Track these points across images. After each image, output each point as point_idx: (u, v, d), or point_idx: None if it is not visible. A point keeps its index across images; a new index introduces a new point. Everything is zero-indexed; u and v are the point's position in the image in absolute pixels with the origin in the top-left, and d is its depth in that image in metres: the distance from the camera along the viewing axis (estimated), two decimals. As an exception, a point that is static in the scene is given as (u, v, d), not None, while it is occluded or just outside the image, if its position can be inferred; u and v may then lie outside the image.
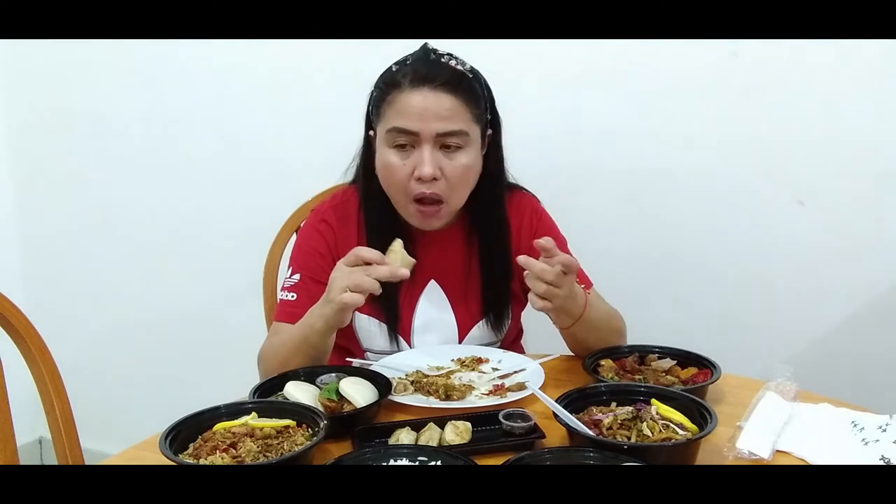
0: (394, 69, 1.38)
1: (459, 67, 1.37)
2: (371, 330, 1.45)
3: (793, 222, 1.75)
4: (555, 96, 1.88)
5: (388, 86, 1.37)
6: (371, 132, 1.43)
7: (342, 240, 1.46)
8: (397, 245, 1.27)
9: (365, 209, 1.46)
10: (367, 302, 1.40)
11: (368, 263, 1.22)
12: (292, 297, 1.42)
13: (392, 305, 1.44)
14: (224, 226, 2.33)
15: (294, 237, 1.72)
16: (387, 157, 1.37)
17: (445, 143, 1.34)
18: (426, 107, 1.32)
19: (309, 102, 2.14)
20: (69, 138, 2.48)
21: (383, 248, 1.31)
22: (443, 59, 1.37)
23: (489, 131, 1.43)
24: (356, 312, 1.43)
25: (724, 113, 1.76)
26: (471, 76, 1.38)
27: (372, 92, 1.42)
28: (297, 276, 1.44)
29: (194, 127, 2.30)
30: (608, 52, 1.80)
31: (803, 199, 1.74)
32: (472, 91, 1.37)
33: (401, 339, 1.46)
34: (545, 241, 1.22)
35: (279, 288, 1.50)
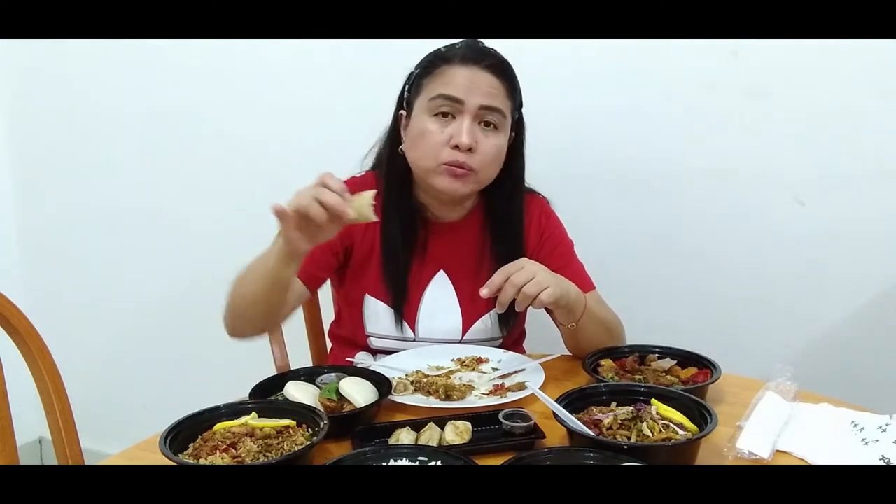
0: (443, 49, 1.43)
1: (506, 60, 1.43)
2: (378, 313, 1.47)
3: (793, 222, 1.75)
4: (553, 96, 1.88)
5: (437, 59, 1.41)
6: (402, 111, 1.45)
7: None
8: (368, 195, 1.19)
9: (386, 187, 1.46)
10: (374, 284, 1.44)
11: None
12: None
13: (399, 290, 1.45)
14: (224, 226, 2.32)
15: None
16: (425, 123, 1.39)
17: (485, 119, 1.38)
18: (474, 80, 1.38)
19: (310, 102, 2.14)
20: (69, 139, 2.48)
21: (400, 233, 1.36)
22: (491, 50, 1.43)
23: (512, 133, 1.46)
24: (364, 294, 1.45)
25: (724, 113, 1.76)
26: (512, 71, 1.43)
27: (412, 72, 1.45)
28: None
29: (194, 127, 2.30)
30: (608, 52, 1.80)
31: (803, 199, 1.74)
32: (513, 82, 1.43)
33: (406, 324, 1.46)
34: (485, 291, 1.27)
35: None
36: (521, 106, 1.47)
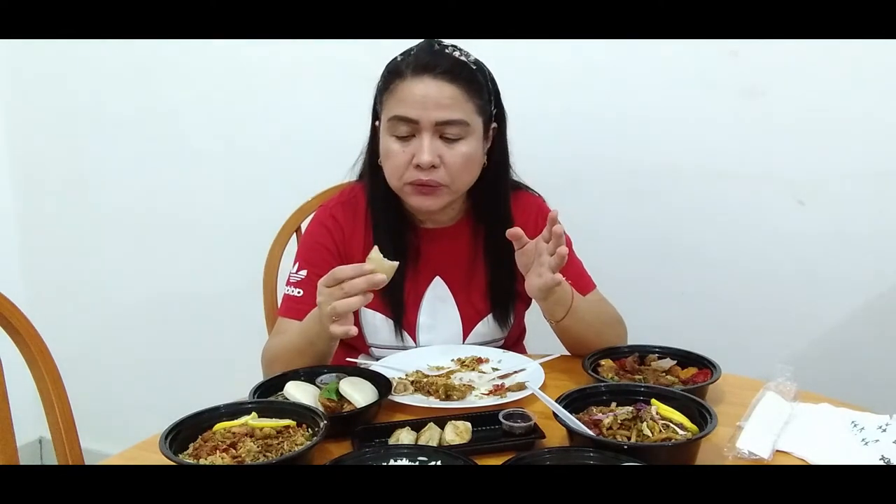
0: (398, 59, 1.39)
1: (462, 58, 1.38)
2: (376, 325, 1.46)
3: (793, 222, 1.75)
4: (555, 96, 1.88)
5: (391, 74, 1.38)
6: (377, 122, 1.44)
7: (350, 237, 1.46)
8: (374, 253, 1.23)
9: (371, 204, 1.46)
10: (373, 297, 1.41)
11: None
12: (299, 293, 1.42)
13: (397, 301, 1.44)
14: (224, 225, 2.33)
15: (294, 237, 1.72)
16: (388, 143, 1.38)
17: (445, 132, 1.35)
18: (426, 95, 1.33)
19: (310, 102, 2.14)
20: (69, 139, 2.48)
21: (392, 243, 1.32)
22: (446, 50, 1.38)
23: (494, 124, 1.43)
24: (362, 308, 1.43)
25: (724, 113, 1.76)
26: (473, 67, 1.39)
27: (378, 83, 1.43)
28: (303, 272, 1.44)
29: (194, 127, 2.30)
30: (609, 52, 1.80)
31: (803, 199, 1.74)
32: (475, 81, 1.38)
33: (406, 334, 1.46)
34: (516, 231, 1.30)
35: (284, 283, 1.49)
36: (493, 97, 1.42)
